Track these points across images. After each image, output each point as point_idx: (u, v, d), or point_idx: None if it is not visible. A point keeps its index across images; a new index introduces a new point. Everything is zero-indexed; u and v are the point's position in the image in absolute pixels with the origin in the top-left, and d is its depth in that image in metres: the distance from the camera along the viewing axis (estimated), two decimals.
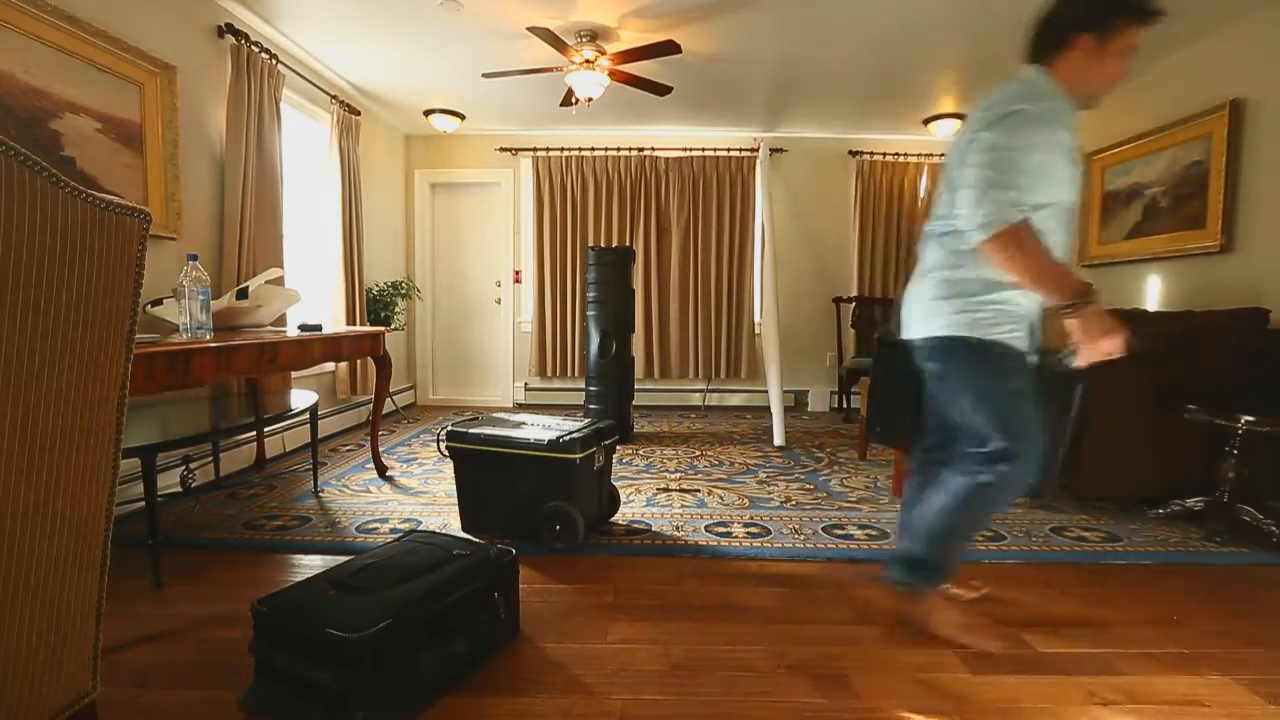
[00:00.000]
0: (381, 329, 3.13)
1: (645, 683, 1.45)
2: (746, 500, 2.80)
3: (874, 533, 2.41)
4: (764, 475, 3.23)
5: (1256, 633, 1.69)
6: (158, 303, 2.46)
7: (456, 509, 2.46)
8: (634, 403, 4.24)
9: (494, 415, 2.60)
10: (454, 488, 2.40)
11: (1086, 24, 1.42)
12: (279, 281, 2.83)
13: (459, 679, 1.44)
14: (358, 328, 3.31)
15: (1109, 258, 3.92)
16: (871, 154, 5.21)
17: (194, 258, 1.99)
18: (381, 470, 3.14)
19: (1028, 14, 1.52)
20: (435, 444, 3.82)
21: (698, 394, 5.41)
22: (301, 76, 3.71)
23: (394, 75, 4.06)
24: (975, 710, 1.36)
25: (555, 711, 1.34)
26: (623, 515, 2.57)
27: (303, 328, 2.66)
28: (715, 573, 2.05)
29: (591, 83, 3.49)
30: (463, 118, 4.81)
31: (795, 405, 5.40)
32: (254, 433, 3.19)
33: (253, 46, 3.11)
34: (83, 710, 0.89)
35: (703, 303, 5.29)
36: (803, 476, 3.21)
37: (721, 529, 2.44)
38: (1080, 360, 1.39)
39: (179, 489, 2.60)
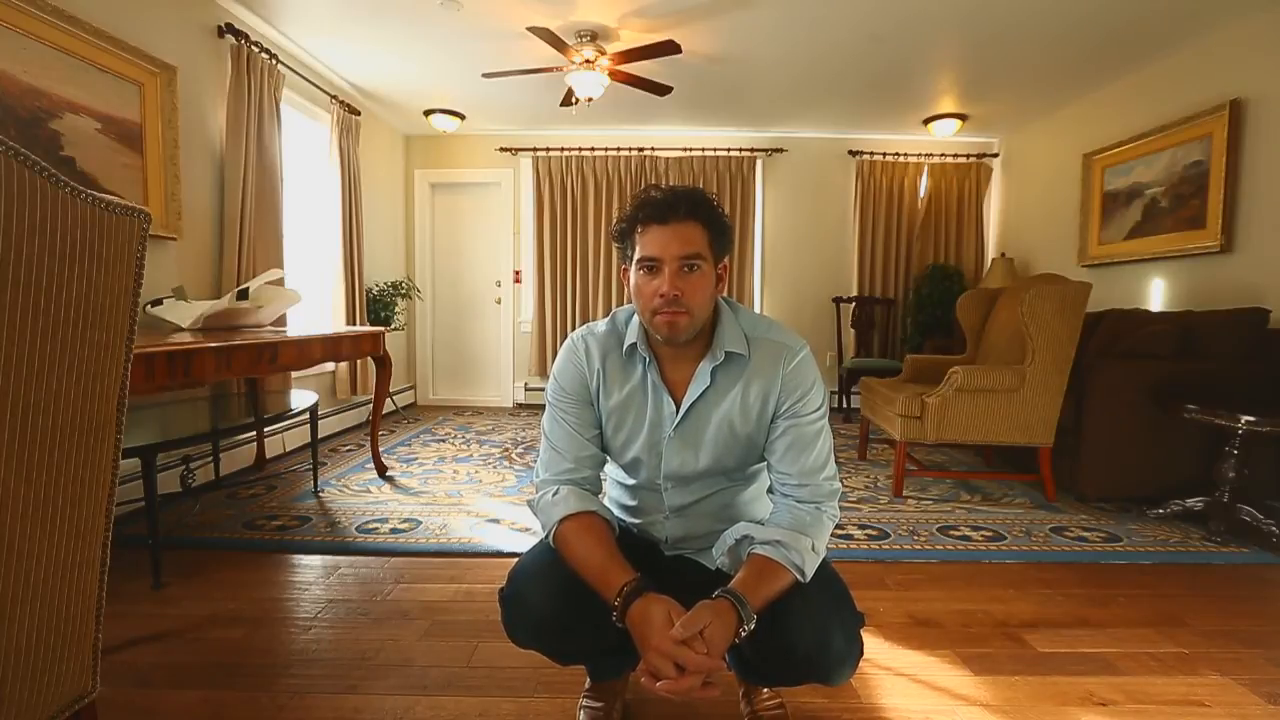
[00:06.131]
0: (381, 329, 3.13)
1: None
2: None
3: (874, 533, 2.40)
4: None
5: (1256, 633, 1.69)
6: (158, 303, 2.47)
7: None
8: None
9: None
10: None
11: None
12: (279, 282, 2.83)
13: None
14: (358, 328, 3.31)
15: (1109, 258, 3.92)
16: (871, 154, 5.21)
17: None
18: (381, 470, 3.13)
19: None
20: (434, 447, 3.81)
21: None
22: (301, 76, 3.70)
23: (394, 75, 4.06)
24: (975, 710, 1.36)
25: (555, 710, 1.34)
26: None
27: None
28: None
29: (591, 83, 3.49)
30: (463, 118, 4.81)
31: None
32: (254, 433, 3.19)
33: (253, 46, 3.11)
34: (83, 710, 0.89)
35: None
36: None
37: None
38: None
39: (179, 489, 2.60)
